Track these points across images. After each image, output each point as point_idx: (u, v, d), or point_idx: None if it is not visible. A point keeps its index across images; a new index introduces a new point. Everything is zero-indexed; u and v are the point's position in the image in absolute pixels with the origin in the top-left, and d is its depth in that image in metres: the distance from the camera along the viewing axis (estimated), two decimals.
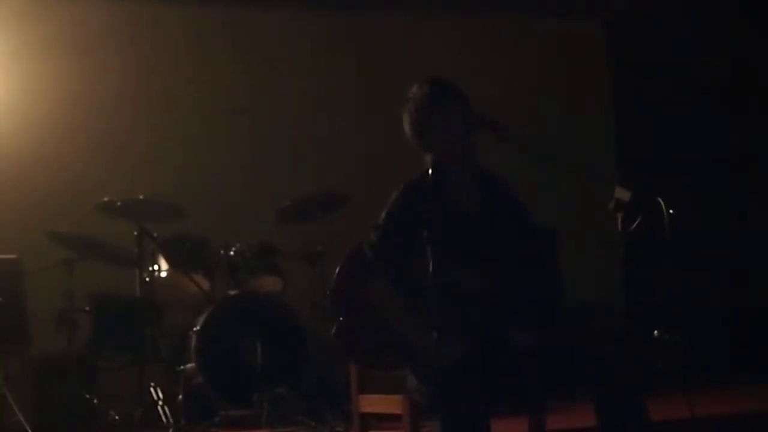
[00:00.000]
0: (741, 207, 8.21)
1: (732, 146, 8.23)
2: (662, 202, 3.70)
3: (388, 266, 3.93)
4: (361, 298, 3.92)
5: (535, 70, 8.43)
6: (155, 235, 6.60)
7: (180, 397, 6.04)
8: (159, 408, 6.04)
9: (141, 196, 6.64)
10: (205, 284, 6.64)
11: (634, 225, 3.72)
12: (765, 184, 8.23)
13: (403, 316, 3.86)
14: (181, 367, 6.33)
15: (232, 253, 6.77)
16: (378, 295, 3.91)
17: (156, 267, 6.68)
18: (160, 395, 6.16)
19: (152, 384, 6.28)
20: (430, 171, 4.00)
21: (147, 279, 6.64)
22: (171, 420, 5.82)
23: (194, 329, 6.34)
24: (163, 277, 6.68)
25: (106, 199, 6.60)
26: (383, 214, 3.99)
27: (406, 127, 4.02)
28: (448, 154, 3.98)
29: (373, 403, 4.27)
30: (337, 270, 4.05)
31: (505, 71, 8.33)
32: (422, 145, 4.02)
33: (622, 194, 3.77)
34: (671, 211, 3.69)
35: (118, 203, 6.55)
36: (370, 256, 3.95)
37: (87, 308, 6.60)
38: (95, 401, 6.14)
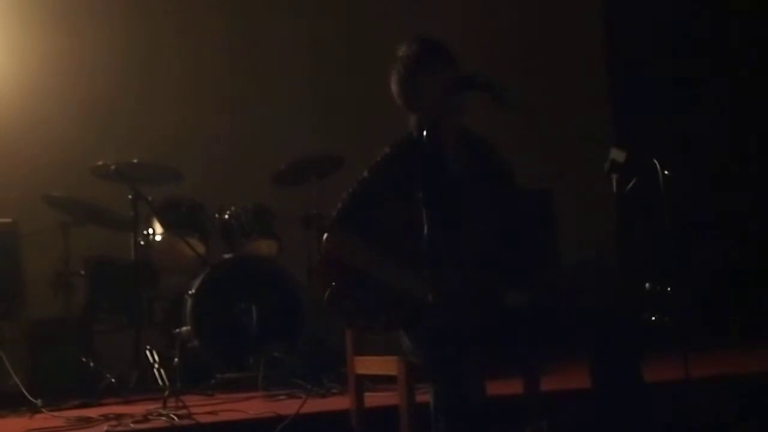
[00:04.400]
0: (739, 166, 8.15)
1: (730, 104, 8.16)
2: (658, 163, 3.67)
3: (359, 219, 3.92)
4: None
5: (527, 28, 8.35)
6: (150, 198, 6.58)
7: (176, 360, 6.05)
8: (155, 371, 6.04)
9: (135, 160, 6.63)
10: (200, 247, 6.63)
11: (630, 186, 3.69)
12: (761, 142, 8.19)
13: (397, 278, 3.85)
14: (177, 330, 6.34)
15: (227, 216, 6.76)
16: (371, 257, 3.91)
17: (151, 230, 6.67)
18: (156, 358, 6.15)
19: (148, 347, 6.28)
20: (424, 132, 3.99)
21: (142, 242, 6.63)
22: (167, 383, 5.82)
23: (190, 292, 6.35)
24: (158, 241, 6.66)
25: (100, 162, 6.59)
26: (370, 168, 3.98)
27: (393, 87, 4.02)
28: (434, 115, 3.97)
29: (368, 365, 4.27)
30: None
31: (496, 28, 8.26)
32: (408, 105, 4.01)
33: (617, 155, 3.73)
34: (666, 172, 3.66)
35: (112, 167, 6.53)
36: (345, 203, 3.95)
37: (82, 272, 6.61)
38: (91, 364, 6.15)
